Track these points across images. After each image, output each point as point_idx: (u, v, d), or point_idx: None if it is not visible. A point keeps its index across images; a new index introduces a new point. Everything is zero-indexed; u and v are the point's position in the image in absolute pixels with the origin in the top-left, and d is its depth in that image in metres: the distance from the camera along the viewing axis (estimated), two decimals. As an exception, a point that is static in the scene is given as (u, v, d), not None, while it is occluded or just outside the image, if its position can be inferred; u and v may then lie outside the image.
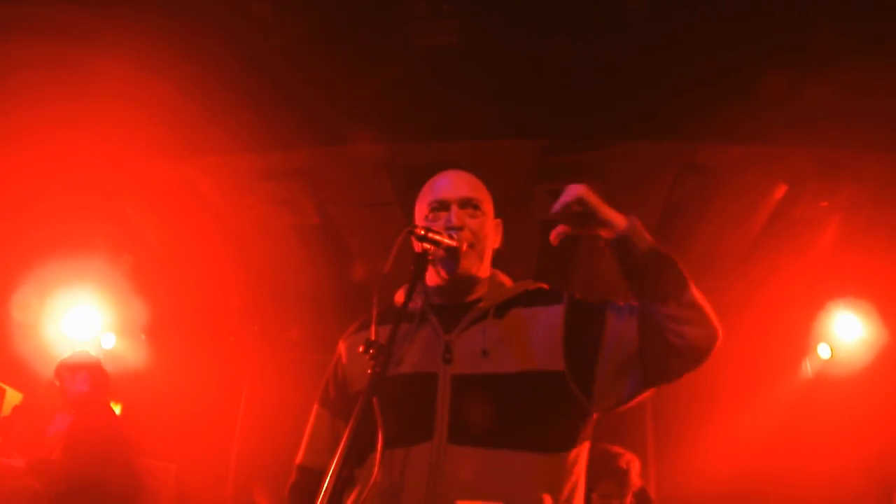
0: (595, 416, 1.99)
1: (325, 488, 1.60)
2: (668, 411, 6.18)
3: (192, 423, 6.60)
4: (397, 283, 2.06)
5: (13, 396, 5.89)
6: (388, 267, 1.84)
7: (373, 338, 1.76)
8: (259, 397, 7.18)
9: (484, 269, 2.11)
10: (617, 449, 3.90)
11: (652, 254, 1.90)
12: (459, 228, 2.02)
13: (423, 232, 1.92)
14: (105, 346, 6.83)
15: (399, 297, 2.11)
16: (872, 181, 4.82)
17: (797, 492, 5.68)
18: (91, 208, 5.42)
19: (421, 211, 2.13)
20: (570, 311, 2.01)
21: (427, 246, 1.93)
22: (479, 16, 3.98)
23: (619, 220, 1.92)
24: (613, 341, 1.93)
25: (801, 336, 6.49)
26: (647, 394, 1.96)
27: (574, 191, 1.90)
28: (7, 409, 5.70)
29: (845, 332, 6.20)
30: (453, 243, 1.97)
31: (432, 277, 2.09)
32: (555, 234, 1.98)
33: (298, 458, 2.16)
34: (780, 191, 5.07)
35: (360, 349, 1.76)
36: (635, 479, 3.85)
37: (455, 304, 2.06)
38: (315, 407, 2.19)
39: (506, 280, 2.17)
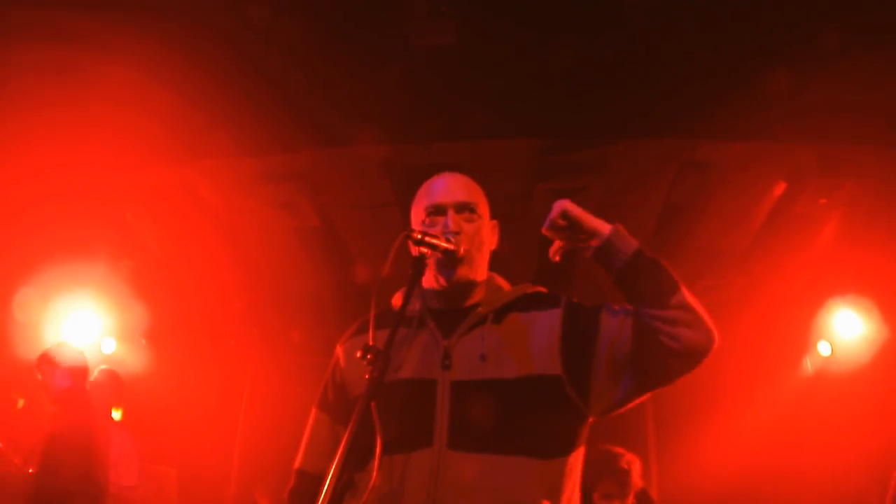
0: (591, 419, 2.00)
1: (324, 493, 1.60)
2: (668, 410, 6.19)
3: (193, 427, 6.62)
4: (395, 286, 2.06)
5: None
6: (386, 271, 1.85)
7: (371, 342, 1.77)
8: (260, 401, 7.18)
9: (481, 273, 2.11)
10: (618, 449, 3.90)
11: (637, 257, 1.92)
12: (457, 233, 2.02)
13: (420, 236, 1.92)
14: (105, 350, 6.83)
15: (397, 300, 2.11)
16: (872, 177, 4.83)
17: (798, 489, 5.69)
18: (91, 213, 5.42)
19: (417, 215, 2.13)
20: (568, 316, 2.02)
21: (424, 250, 1.93)
22: (477, 16, 3.99)
23: (603, 227, 1.95)
24: (608, 345, 1.93)
25: (801, 333, 6.50)
26: (642, 397, 1.96)
27: (557, 206, 1.96)
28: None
29: (846, 330, 6.21)
30: (451, 247, 1.97)
31: (430, 281, 2.08)
32: (552, 251, 2.03)
33: (297, 463, 2.16)
34: (780, 188, 5.08)
35: (358, 354, 1.76)
36: (636, 480, 3.84)
37: (453, 309, 2.06)
38: (314, 411, 2.19)
39: (503, 283, 2.17)
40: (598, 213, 1.98)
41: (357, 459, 1.85)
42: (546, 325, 2.00)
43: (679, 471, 6.08)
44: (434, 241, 1.94)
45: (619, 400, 1.95)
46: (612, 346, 1.93)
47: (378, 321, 1.88)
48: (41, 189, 4.92)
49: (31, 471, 4.20)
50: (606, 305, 2.02)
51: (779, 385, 6.57)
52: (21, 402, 4.19)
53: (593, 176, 4.86)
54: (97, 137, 4.38)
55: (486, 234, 2.12)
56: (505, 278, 2.20)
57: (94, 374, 5.61)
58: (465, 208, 2.07)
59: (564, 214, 1.94)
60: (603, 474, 3.81)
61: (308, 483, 2.06)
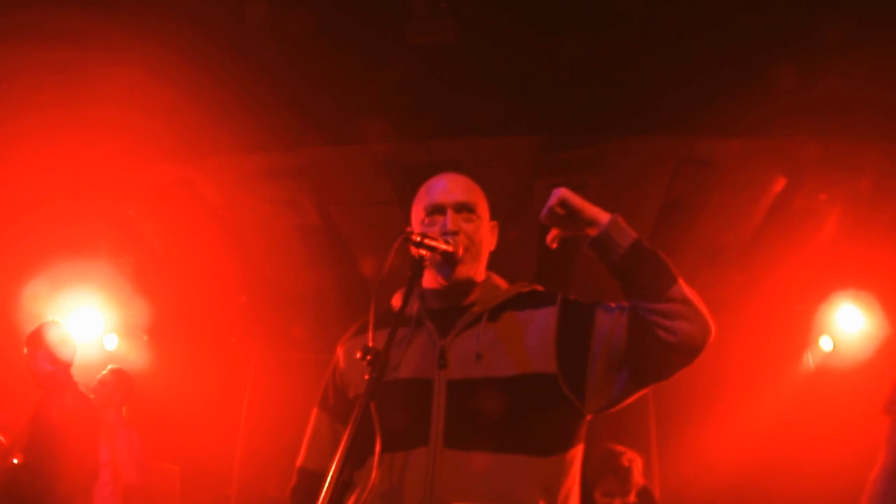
0: (589, 417, 1.99)
1: (324, 491, 1.62)
2: (670, 408, 6.20)
3: (195, 423, 6.63)
4: (396, 286, 2.07)
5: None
6: (384, 272, 1.85)
7: (370, 343, 1.77)
8: (262, 397, 7.20)
9: (480, 273, 2.12)
10: (619, 447, 3.91)
11: (635, 248, 1.90)
12: (455, 233, 2.03)
13: (419, 238, 1.93)
14: (108, 347, 6.85)
15: (396, 300, 2.12)
16: (872, 172, 4.83)
17: (800, 485, 5.68)
18: (93, 210, 5.43)
19: (417, 215, 2.14)
20: (563, 313, 2.02)
21: (423, 252, 1.93)
22: (477, 14, 3.99)
23: (602, 216, 1.94)
24: (603, 341, 1.93)
25: (802, 328, 6.50)
26: (639, 393, 1.95)
27: (556, 194, 1.96)
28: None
29: (847, 325, 6.21)
30: (449, 248, 1.98)
31: (429, 282, 2.09)
32: (550, 238, 2.04)
33: (299, 461, 2.18)
34: (780, 183, 5.08)
35: (358, 355, 1.77)
36: (638, 477, 3.86)
37: (450, 308, 2.07)
38: (315, 410, 2.21)
39: (500, 282, 2.18)
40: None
41: (357, 458, 1.87)
42: (541, 322, 2.00)
43: (681, 467, 6.09)
44: (432, 243, 1.94)
45: (616, 397, 1.94)
46: (608, 343, 1.92)
47: (378, 322, 1.88)
48: (43, 187, 4.93)
49: (15, 461, 4.16)
50: (601, 302, 2.02)
51: (781, 381, 6.58)
52: (16, 461, 4.15)
53: (592, 173, 4.86)
54: (99, 135, 4.39)
55: (484, 235, 2.12)
56: (504, 276, 2.21)
57: (102, 373, 5.64)
58: (463, 208, 2.08)
59: (563, 202, 1.94)
60: (604, 472, 3.82)
61: (310, 480, 2.07)
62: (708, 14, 3.88)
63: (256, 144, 4.72)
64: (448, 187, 2.12)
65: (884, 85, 4.04)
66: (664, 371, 1.91)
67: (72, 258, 5.59)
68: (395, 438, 1.86)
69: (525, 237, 4.70)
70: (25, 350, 4.37)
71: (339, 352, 2.20)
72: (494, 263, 2.20)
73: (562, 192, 1.95)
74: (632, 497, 3.84)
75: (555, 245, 2.04)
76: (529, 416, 1.90)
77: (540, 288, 2.16)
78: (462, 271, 2.04)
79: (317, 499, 1.62)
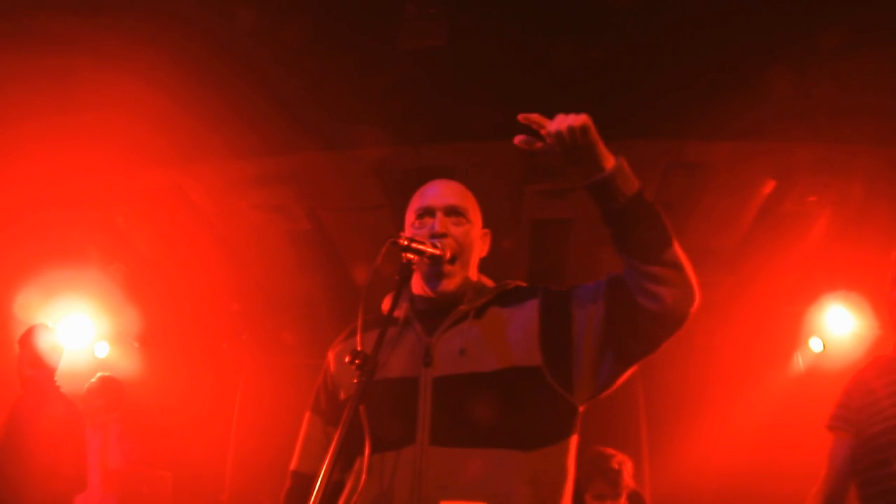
0: (581, 408, 1.98)
1: (315, 494, 1.62)
2: (661, 410, 6.21)
3: (186, 430, 6.61)
4: (386, 289, 2.07)
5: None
6: (372, 277, 1.85)
7: (359, 348, 1.78)
8: (253, 402, 7.19)
9: (469, 276, 2.12)
10: (609, 450, 3.91)
11: (637, 199, 1.84)
12: (443, 235, 2.03)
13: (406, 242, 1.92)
14: (98, 354, 6.82)
15: (386, 304, 2.12)
16: (861, 175, 4.85)
17: (791, 486, 5.69)
18: (82, 217, 5.41)
19: (409, 218, 2.15)
20: (544, 305, 2.01)
21: (411, 256, 1.93)
22: (467, 17, 3.99)
23: (609, 158, 1.85)
24: (583, 324, 1.92)
25: (792, 330, 6.52)
26: (626, 374, 1.93)
27: (579, 119, 1.82)
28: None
29: (837, 326, 6.24)
30: (437, 252, 1.98)
31: (418, 284, 2.09)
32: (522, 140, 1.93)
33: (292, 465, 2.19)
34: (769, 186, 5.10)
35: (347, 359, 1.77)
36: (628, 480, 3.86)
37: (438, 308, 2.07)
38: (307, 414, 2.22)
39: (487, 282, 2.18)
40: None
41: (347, 460, 1.89)
42: (524, 316, 2.00)
43: (672, 470, 6.10)
44: (420, 246, 1.94)
45: (605, 380, 1.93)
46: (588, 325, 1.91)
47: (367, 326, 1.90)
48: (32, 194, 4.91)
49: None
50: (577, 286, 2.00)
51: (771, 382, 6.59)
52: None
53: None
54: (88, 142, 4.37)
55: (474, 240, 2.12)
56: (494, 279, 2.21)
57: (91, 381, 5.61)
58: (453, 212, 2.08)
59: (585, 130, 1.81)
60: (594, 475, 3.82)
61: (303, 484, 2.07)
62: (698, 19, 3.89)
63: (247, 150, 4.71)
64: (440, 191, 2.13)
65: (874, 89, 4.06)
66: (647, 343, 1.89)
67: (62, 266, 5.57)
68: (384, 439, 1.87)
69: (516, 241, 4.72)
70: (20, 342, 4.38)
71: (330, 356, 2.21)
72: (483, 269, 2.20)
73: (586, 119, 1.82)
74: (622, 500, 3.84)
75: (525, 147, 1.92)
76: (514, 410, 1.89)
77: (523, 284, 2.16)
78: (448, 285, 2.04)
79: (309, 501, 1.62)
